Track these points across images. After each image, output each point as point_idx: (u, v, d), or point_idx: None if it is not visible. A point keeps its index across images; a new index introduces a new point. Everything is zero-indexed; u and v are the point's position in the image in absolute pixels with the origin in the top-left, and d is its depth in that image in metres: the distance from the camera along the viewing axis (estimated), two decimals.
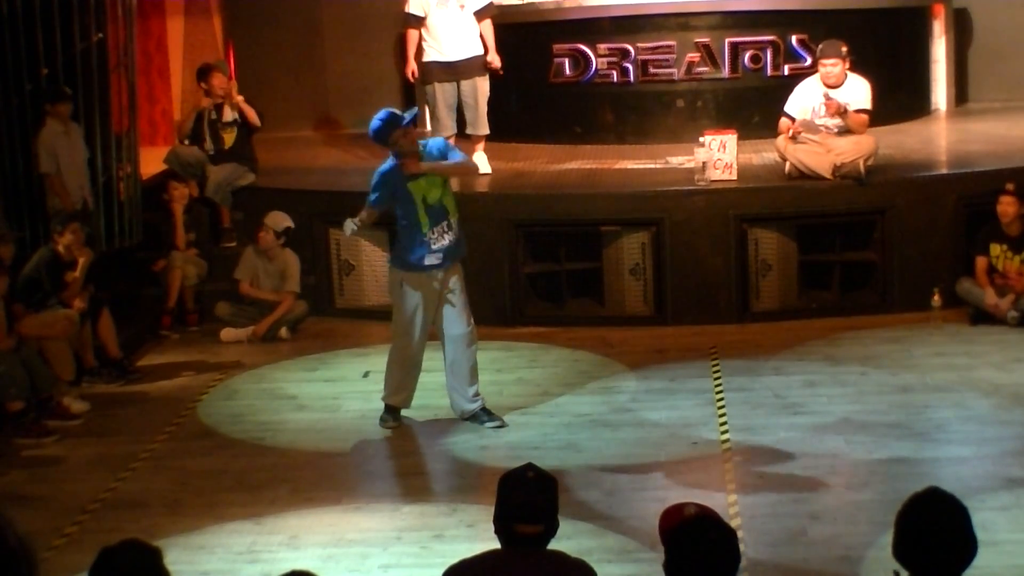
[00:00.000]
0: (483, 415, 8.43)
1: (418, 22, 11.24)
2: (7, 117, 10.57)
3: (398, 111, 8.41)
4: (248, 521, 7.19)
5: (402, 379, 8.57)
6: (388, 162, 8.31)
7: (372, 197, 8.39)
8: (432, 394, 8.95)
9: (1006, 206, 10.05)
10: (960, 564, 3.66)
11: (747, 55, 12.59)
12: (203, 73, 11.85)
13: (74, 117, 10.62)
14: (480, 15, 11.22)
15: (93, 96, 10.87)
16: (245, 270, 10.94)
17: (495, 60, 11.25)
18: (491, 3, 11.33)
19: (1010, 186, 10.10)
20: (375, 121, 8.28)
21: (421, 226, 8.20)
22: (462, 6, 11.16)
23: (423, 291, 8.32)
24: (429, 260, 8.25)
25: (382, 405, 8.85)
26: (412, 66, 11.40)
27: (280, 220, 10.89)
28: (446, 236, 8.24)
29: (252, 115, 11.66)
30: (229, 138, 11.73)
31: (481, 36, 11.21)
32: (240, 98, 11.68)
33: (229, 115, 11.71)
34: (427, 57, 11.31)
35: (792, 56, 12.58)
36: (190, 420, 8.98)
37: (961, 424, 8.20)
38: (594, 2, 12.96)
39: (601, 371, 9.56)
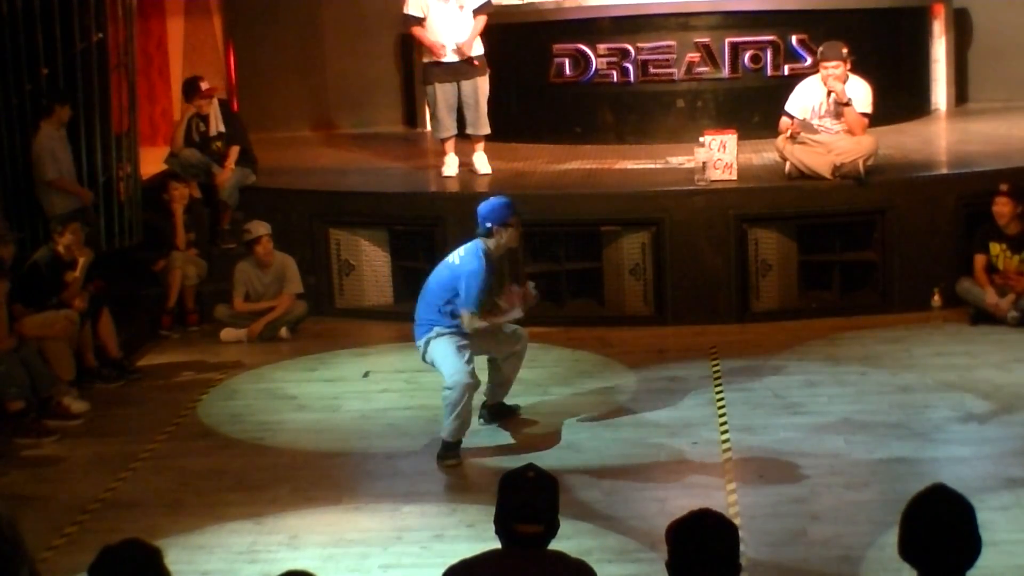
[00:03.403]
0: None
1: (417, 22, 11.24)
2: (7, 117, 10.57)
3: None
4: (248, 521, 7.19)
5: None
6: (479, 261, 7.95)
7: (480, 300, 7.96)
8: (432, 394, 8.94)
9: (1001, 206, 10.05)
10: (966, 562, 3.66)
11: (747, 55, 12.60)
12: (189, 90, 11.91)
13: (74, 117, 10.62)
14: (478, 13, 11.22)
15: (93, 96, 10.87)
16: (239, 287, 10.87)
17: (469, 45, 11.06)
18: (489, 1, 11.33)
19: (1004, 186, 10.09)
20: (498, 199, 8.22)
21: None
22: (461, 6, 11.16)
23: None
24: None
25: (383, 405, 8.87)
26: (438, 45, 11.17)
27: (263, 225, 10.87)
28: None
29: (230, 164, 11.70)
30: (220, 147, 11.77)
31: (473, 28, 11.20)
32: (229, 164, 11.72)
33: (215, 128, 11.75)
34: (427, 58, 11.31)
35: (792, 56, 12.58)
36: (190, 420, 8.98)
37: (961, 424, 8.19)
38: (594, 2, 12.97)
39: (601, 371, 9.56)
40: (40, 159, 10.38)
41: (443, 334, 7.99)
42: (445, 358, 7.99)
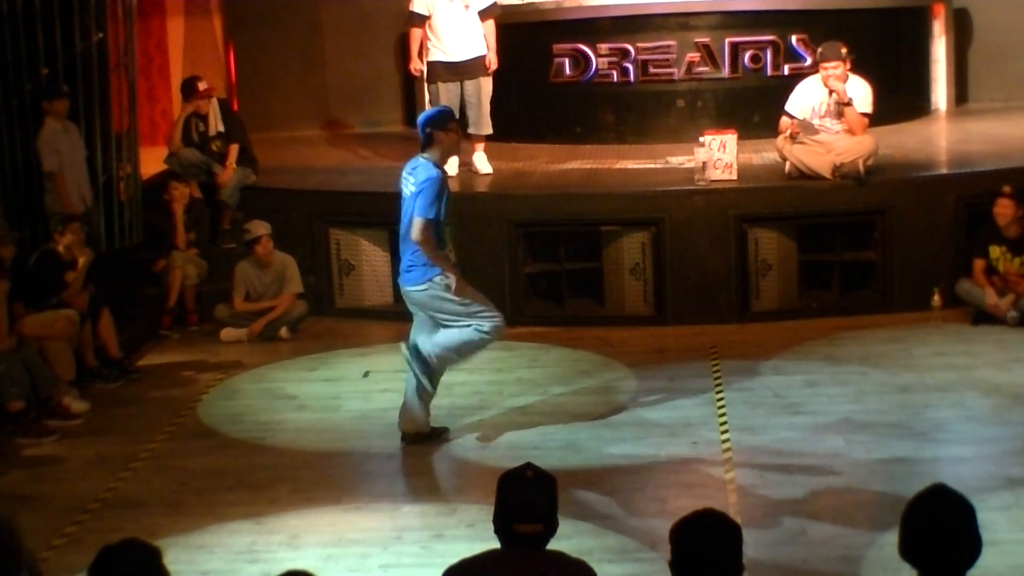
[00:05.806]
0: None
1: (422, 21, 11.25)
2: (7, 117, 10.57)
3: None
4: (248, 521, 7.19)
5: None
6: (436, 170, 7.83)
7: (435, 210, 7.76)
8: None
9: (1003, 208, 10.04)
10: (966, 562, 3.66)
11: (747, 55, 12.60)
12: (187, 90, 11.93)
13: (74, 116, 10.63)
14: (484, 15, 11.23)
15: (93, 96, 10.87)
16: (239, 287, 10.86)
17: (493, 62, 11.25)
18: (495, 3, 11.34)
19: (1007, 189, 10.09)
20: (434, 108, 8.41)
21: (442, 242, 7.94)
22: (467, 6, 11.17)
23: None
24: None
25: (383, 405, 8.87)
26: (416, 63, 11.38)
27: (264, 225, 10.86)
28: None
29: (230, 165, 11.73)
30: (219, 147, 11.78)
31: (485, 36, 11.24)
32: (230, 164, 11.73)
33: (214, 128, 11.76)
34: (431, 57, 11.31)
35: (792, 56, 12.58)
36: (190, 420, 8.98)
37: (961, 424, 8.20)
38: (594, 2, 12.97)
39: (601, 371, 9.56)
40: (40, 151, 10.39)
41: (443, 296, 7.86)
42: (459, 316, 7.92)
